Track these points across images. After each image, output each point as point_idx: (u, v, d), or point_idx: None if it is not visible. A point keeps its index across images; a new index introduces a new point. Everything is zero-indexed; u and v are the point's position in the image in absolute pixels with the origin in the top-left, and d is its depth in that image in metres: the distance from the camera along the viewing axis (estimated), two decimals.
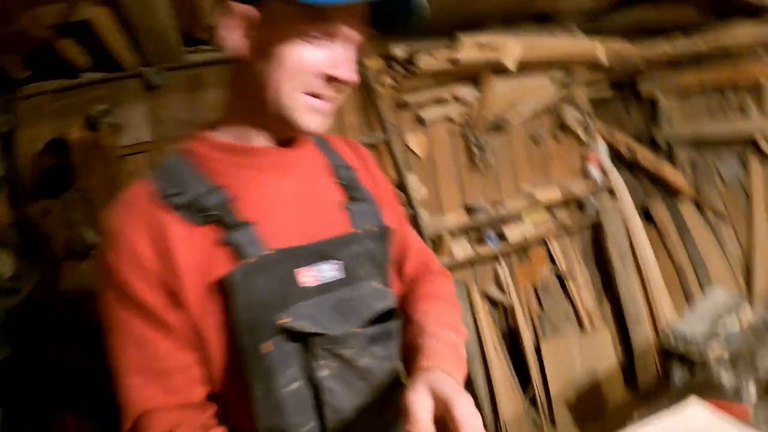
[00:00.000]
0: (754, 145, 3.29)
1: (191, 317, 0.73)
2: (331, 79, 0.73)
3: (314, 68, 0.72)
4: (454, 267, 2.63)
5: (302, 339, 0.74)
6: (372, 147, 2.53)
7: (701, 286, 3.23)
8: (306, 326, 0.73)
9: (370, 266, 0.85)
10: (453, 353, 0.77)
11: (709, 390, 1.42)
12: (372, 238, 0.87)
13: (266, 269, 0.74)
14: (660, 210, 3.34)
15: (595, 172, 3.02)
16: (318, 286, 0.78)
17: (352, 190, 0.89)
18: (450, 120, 2.74)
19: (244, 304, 0.72)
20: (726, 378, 1.45)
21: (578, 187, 2.94)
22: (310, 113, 0.75)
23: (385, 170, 2.54)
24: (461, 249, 2.63)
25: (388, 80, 2.58)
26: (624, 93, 3.65)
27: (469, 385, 2.50)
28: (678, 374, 1.66)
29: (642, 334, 2.99)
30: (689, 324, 1.68)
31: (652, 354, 3.02)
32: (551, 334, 2.79)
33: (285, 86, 0.73)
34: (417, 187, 2.56)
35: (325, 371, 0.75)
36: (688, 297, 3.22)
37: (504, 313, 2.81)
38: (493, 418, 2.62)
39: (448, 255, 2.58)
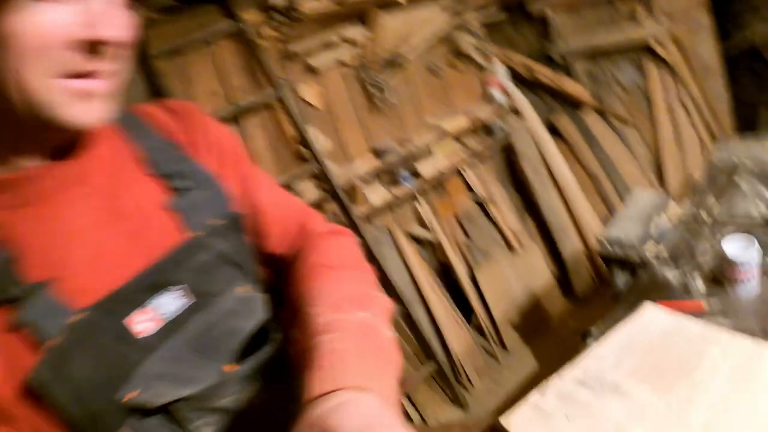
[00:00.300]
0: (648, 50, 3.37)
1: (30, 426, 0.54)
2: (94, 46, 0.51)
3: (63, 37, 0.49)
4: (374, 214, 2.56)
5: (163, 407, 0.57)
6: (264, 106, 2.40)
7: (617, 190, 3.33)
8: (160, 394, 0.56)
9: (228, 271, 0.66)
10: (363, 345, 0.55)
11: (656, 291, 1.43)
12: (220, 234, 0.66)
13: (82, 341, 0.54)
14: (565, 123, 3.39)
15: (497, 95, 3.01)
16: (162, 328, 0.59)
17: (178, 179, 0.66)
18: (343, 64, 2.63)
19: (69, 398, 0.53)
20: (671, 275, 1.46)
21: (484, 112, 2.93)
22: (79, 103, 0.52)
23: (283, 127, 2.42)
24: (377, 194, 2.56)
25: (270, 32, 2.42)
26: (514, 14, 3.63)
27: (415, 330, 2.47)
28: (621, 279, 1.66)
29: (570, 245, 3.05)
30: (621, 228, 1.69)
31: (583, 262, 3.10)
32: (483, 262, 2.80)
33: (29, 75, 0.49)
34: (320, 140, 2.46)
35: (206, 431, 0.60)
36: (606, 202, 3.31)
37: (433, 250, 2.79)
38: (445, 355, 2.61)
39: (365, 203, 2.51)
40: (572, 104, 3.50)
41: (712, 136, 3.35)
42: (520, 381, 2.71)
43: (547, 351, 2.86)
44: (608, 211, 3.25)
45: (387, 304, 0.67)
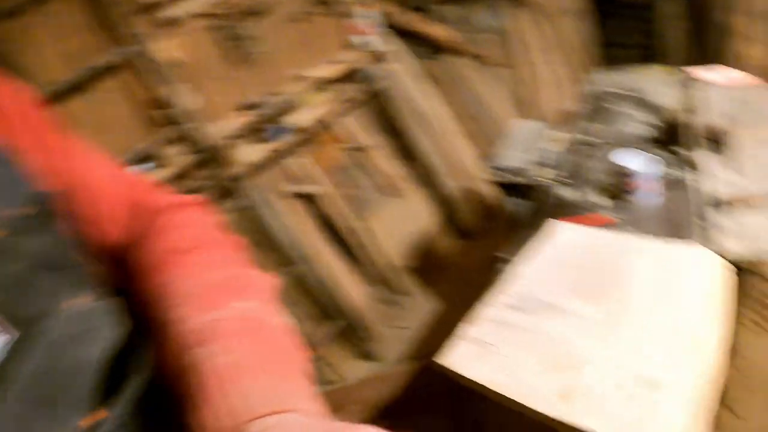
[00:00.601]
0: None
1: None
2: None
3: None
4: (250, 173, 2.40)
5: None
6: (119, 66, 2.12)
7: (492, 130, 3.41)
8: None
9: (51, 280, 0.45)
10: (255, 349, 0.43)
11: (559, 212, 1.44)
12: (29, 228, 0.45)
13: None
14: (435, 67, 3.39)
15: (367, 41, 2.92)
16: None
17: None
18: (204, 14, 2.37)
19: None
20: (571, 196, 1.50)
21: (355, 59, 2.83)
22: None
23: (142, 88, 2.17)
24: (251, 152, 2.40)
25: None
26: None
27: (312, 290, 2.40)
28: (518, 206, 1.67)
29: (453, 185, 3.11)
30: (511, 156, 1.70)
31: (468, 200, 3.17)
32: (369, 211, 2.75)
33: None
34: (184, 99, 2.24)
35: None
36: (483, 142, 3.40)
37: (317, 205, 2.68)
38: (347, 311, 2.58)
39: (239, 163, 2.34)
40: (441, 49, 3.51)
41: (580, 73, 3.51)
42: (427, 322, 2.75)
43: (446, 289, 2.93)
44: (486, 151, 3.34)
45: (268, 282, 0.53)
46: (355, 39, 2.92)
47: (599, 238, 1.27)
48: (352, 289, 2.61)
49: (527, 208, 1.63)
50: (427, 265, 3.01)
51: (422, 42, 3.49)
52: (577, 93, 2.90)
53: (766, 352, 0.98)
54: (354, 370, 2.52)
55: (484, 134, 3.38)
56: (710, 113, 1.62)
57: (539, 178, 1.63)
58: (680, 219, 1.35)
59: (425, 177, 3.10)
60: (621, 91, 1.84)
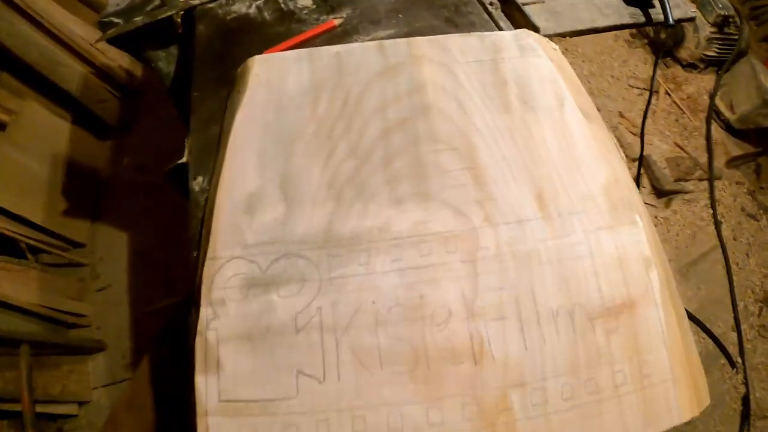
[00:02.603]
0: None
1: None
2: None
3: None
4: None
5: None
6: None
7: None
8: None
9: None
10: None
11: (248, 41, 0.92)
12: None
13: None
14: None
15: None
16: None
17: None
18: None
19: None
20: (251, 10, 0.98)
21: None
22: None
23: None
24: None
25: None
26: None
27: None
28: (163, 59, 1.11)
29: (73, 73, 2.23)
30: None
31: (96, 84, 2.36)
32: None
33: None
34: None
35: None
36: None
37: None
38: (27, 317, 1.77)
39: None
40: None
41: None
42: (129, 264, 2.17)
43: (122, 210, 2.31)
44: (96, 11, 2.39)
45: None
46: None
47: (340, 59, 0.72)
48: (14, 287, 1.79)
49: (174, 57, 1.05)
50: (84, 192, 2.26)
51: None
52: None
53: None
54: (87, 381, 1.89)
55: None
56: None
57: (181, 4, 0.98)
58: (452, 2, 0.98)
59: (35, 81, 2.09)
60: None
